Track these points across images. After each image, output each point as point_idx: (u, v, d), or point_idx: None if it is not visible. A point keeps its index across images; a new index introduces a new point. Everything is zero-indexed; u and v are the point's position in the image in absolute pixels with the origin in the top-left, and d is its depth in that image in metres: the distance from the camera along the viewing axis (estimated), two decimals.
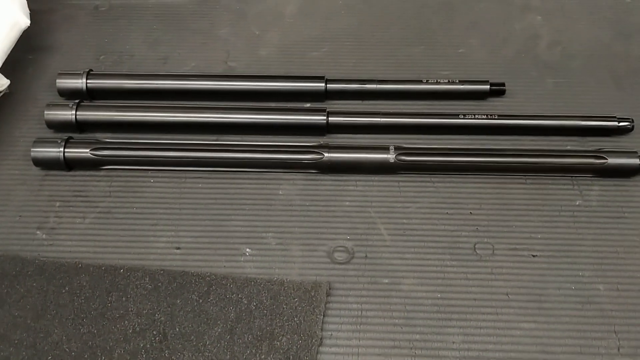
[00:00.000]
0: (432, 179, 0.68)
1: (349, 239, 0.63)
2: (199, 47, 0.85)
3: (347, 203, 0.67)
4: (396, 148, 0.68)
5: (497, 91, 0.76)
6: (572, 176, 0.68)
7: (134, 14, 0.90)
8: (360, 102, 0.77)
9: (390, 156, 0.67)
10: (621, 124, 0.71)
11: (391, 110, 0.74)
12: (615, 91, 0.77)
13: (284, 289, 0.58)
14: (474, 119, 0.71)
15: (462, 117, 0.72)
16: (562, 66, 0.81)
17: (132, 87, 0.76)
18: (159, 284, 0.59)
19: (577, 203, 0.66)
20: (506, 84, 0.77)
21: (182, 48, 0.85)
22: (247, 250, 0.63)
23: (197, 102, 0.76)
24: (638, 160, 0.66)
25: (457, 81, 0.76)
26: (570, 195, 0.67)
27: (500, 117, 0.72)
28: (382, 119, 0.72)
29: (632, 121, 0.71)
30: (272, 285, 0.58)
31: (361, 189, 0.68)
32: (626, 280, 0.60)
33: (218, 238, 0.64)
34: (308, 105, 0.77)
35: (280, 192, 0.68)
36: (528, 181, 0.68)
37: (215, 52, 0.84)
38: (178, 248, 0.63)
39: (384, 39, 0.85)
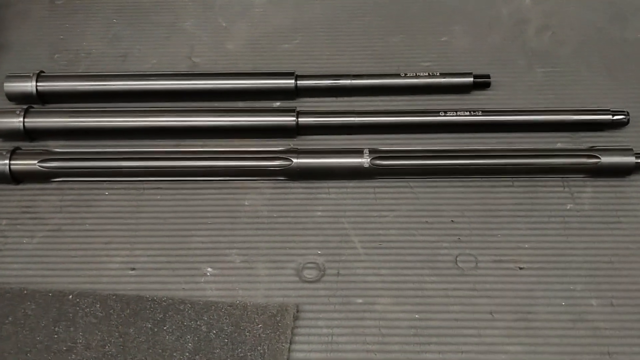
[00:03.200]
0: (411, 184, 0.63)
1: (320, 254, 0.58)
2: (162, 41, 0.79)
3: (319, 213, 0.61)
4: (371, 151, 0.62)
5: (482, 84, 0.70)
6: (562, 177, 0.63)
7: (92, 7, 0.84)
8: (334, 99, 0.71)
9: (365, 160, 0.62)
10: (615, 117, 0.65)
11: (367, 108, 0.69)
12: (609, 80, 0.71)
13: (247, 314, 0.53)
14: (456, 116, 0.66)
15: (443, 114, 0.66)
16: (551, 54, 0.75)
17: (87, 89, 0.70)
18: (111, 311, 0.54)
19: (568, 207, 0.61)
20: (492, 75, 0.71)
21: (143, 43, 0.79)
22: (209, 269, 0.57)
23: (157, 105, 0.70)
24: (634, 158, 0.61)
25: (438, 74, 0.70)
26: (561, 199, 0.61)
27: (485, 113, 0.66)
28: (357, 119, 0.66)
29: (627, 114, 0.66)
30: (234, 309, 0.53)
31: (334, 196, 0.62)
32: (621, 294, 0.55)
33: (177, 257, 0.59)
34: (278, 104, 0.71)
35: (246, 203, 0.62)
36: (515, 183, 0.63)
37: (178, 46, 0.78)
38: (133, 269, 0.58)
39: (361, 28, 0.79)
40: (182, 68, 0.76)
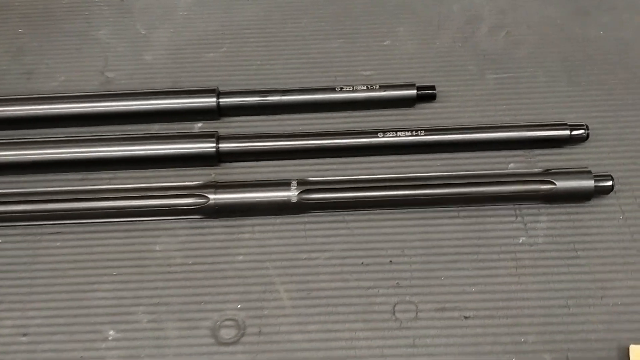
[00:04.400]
0: (346, 218, 0.56)
1: (239, 308, 0.51)
2: (72, 54, 0.70)
3: (241, 257, 0.54)
4: (300, 183, 0.55)
5: (426, 96, 0.63)
6: (515, 204, 0.56)
7: None
8: (263, 117, 0.63)
9: (292, 194, 0.54)
10: (574, 132, 0.58)
11: (299, 127, 0.62)
12: (569, 86, 0.64)
13: None
14: (396, 137, 0.58)
15: (382, 135, 0.58)
16: (505, 56, 0.67)
17: None
18: None
19: (521, 241, 0.54)
20: (439, 84, 0.64)
21: (51, 57, 0.70)
22: (111, 332, 0.50)
23: (61, 132, 0.62)
24: (592, 181, 0.54)
25: (377, 87, 0.62)
26: (513, 230, 0.54)
27: (427, 132, 0.58)
28: (285, 142, 0.59)
29: (587, 128, 0.59)
30: None
31: (259, 236, 0.55)
32: (578, 346, 0.48)
33: (76, 317, 0.51)
34: (200, 125, 0.63)
35: (158, 248, 0.55)
36: (461, 214, 0.56)
37: (91, 59, 0.69)
38: (25, 335, 0.50)
39: (296, 32, 0.71)
40: (94, 85, 0.67)
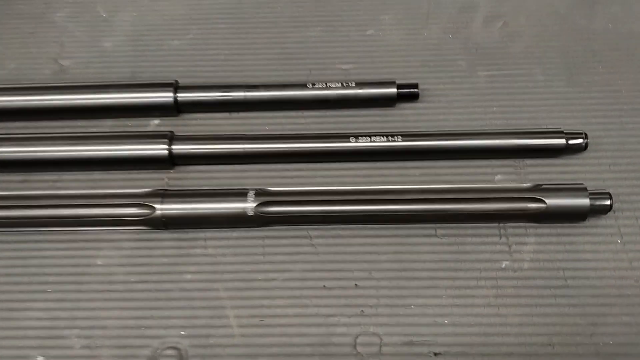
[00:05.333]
0: (310, 233, 0.50)
1: (183, 335, 0.46)
2: (26, 38, 0.64)
3: (189, 276, 0.48)
4: (258, 194, 0.49)
5: (408, 95, 0.56)
6: (499, 224, 0.49)
7: None
8: (227, 115, 0.57)
9: (249, 206, 0.48)
10: (571, 142, 0.52)
11: (265, 127, 0.56)
12: (568, 87, 0.57)
13: None
14: (370, 142, 0.52)
15: (354, 140, 0.52)
16: (500, 51, 0.60)
17: None
18: None
19: (504, 265, 0.48)
20: (425, 81, 0.58)
21: (2, 41, 0.64)
22: (39, 358, 0.45)
23: (5, 127, 0.56)
24: (588, 200, 0.48)
25: (353, 84, 0.56)
26: (496, 253, 0.48)
27: (405, 138, 0.52)
28: (247, 146, 0.53)
29: (586, 137, 0.52)
30: None
31: (211, 251, 0.49)
32: None
33: (4, 339, 0.46)
34: (157, 122, 0.57)
35: (99, 262, 0.49)
36: (439, 232, 0.49)
37: (45, 45, 0.63)
38: None
39: (270, 19, 0.64)
40: (46, 74, 0.61)
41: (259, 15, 0.64)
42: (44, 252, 0.50)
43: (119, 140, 0.53)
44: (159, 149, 0.52)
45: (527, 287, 0.47)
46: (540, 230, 0.49)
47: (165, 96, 0.56)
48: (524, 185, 0.49)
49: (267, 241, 0.50)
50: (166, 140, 0.52)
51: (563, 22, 0.62)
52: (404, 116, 0.56)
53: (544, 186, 0.48)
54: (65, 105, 0.56)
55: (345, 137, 0.52)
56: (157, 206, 0.48)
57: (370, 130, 0.53)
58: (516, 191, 0.48)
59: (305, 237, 0.50)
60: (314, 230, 0.50)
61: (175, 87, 0.56)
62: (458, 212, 0.48)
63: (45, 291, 0.48)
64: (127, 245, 0.50)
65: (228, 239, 0.50)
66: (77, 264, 0.49)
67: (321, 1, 0.65)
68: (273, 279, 0.48)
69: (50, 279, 0.48)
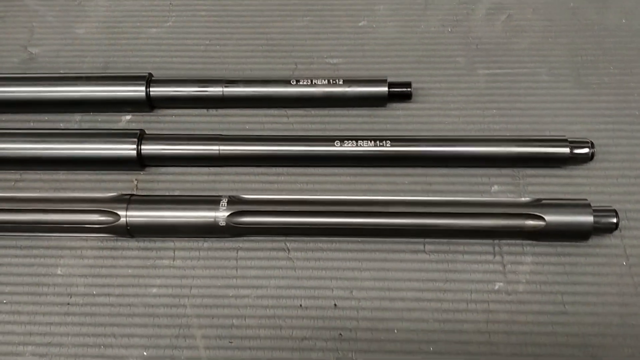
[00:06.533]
0: (288, 245, 0.46)
1: (145, 356, 0.42)
2: None
3: (155, 290, 0.45)
4: (231, 202, 0.45)
5: (400, 94, 0.52)
6: (494, 241, 0.45)
7: None
8: (203, 111, 0.53)
9: (221, 215, 0.44)
10: (576, 151, 0.47)
11: (242, 127, 0.52)
12: (576, 89, 0.53)
13: None
14: (356, 147, 0.48)
15: (339, 144, 0.48)
16: (503, 47, 0.55)
17: None
18: None
19: (497, 287, 0.44)
20: (420, 79, 0.53)
21: None
22: None
23: None
24: (591, 217, 0.43)
25: (340, 82, 0.51)
26: (489, 273, 0.44)
27: (395, 143, 0.48)
28: (221, 147, 0.48)
29: (592, 146, 0.47)
30: None
31: (179, 263, 0.46)
32: None
33: None
34: (128, 117, 0.53)
35: (59, 271, 0.45)
36: (428, 247, 0.45)
37: (14, 30, 0.59)
38: None
39: (255, 7, 0.59)
40: (13, 62, 0.57)
41: (244, 2, 0.60)
42: (1, 259, 0.46)
43: (85, 138, 0.49)
44: (127, 149, 0.48)
45: (522, 312, 0.43)
46: (538, 249, 0.45)
47: (138, 90, 0.51)
48: (523, 199, 0.45)
49: (241, 253, 0.46)
50: (135, 139, 0.48)
51: (572, 16, 0.57)
52: (395, 117, 0.52)
53: (544, 201, 0.44)
54: (30, 98, 0.52)
55: (329, 140, 0.48)
56: (121, 213, 0.45)
57: (358, 133, 0.49)
58: (514, 206, 0.44)
59: (282, 249, 0.46)
60: (292, 243, 0.46)
61: (148, 81, 0.52)
62: (449, 228, 0.44)
63: (0, 302, 0.44)
64: (90, 253, 0.46)
65: (198, 249, 0.46)
66: (35, 272, 0.45)
67: None
68: (245, 296, 0.44)
69: (6, 289, 0.45)
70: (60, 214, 0.45)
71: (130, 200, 0.45)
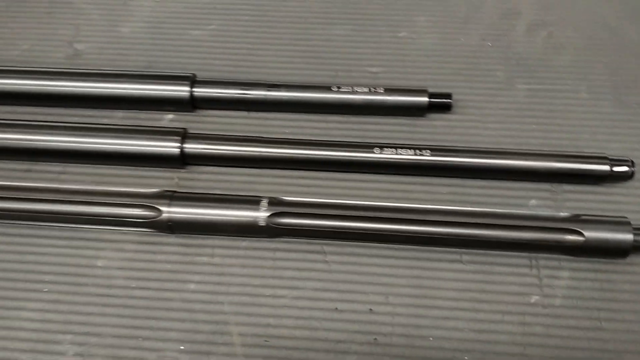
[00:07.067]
0: (325, 248, 0.46)
1: (182, 350, 0.43)
2: (41, 18, 0.61)
3: (193, 286, 0.45)
4: (271, 203, 0.45)
5: (440, 105, 0.52)
6: (531, 254, 0.46)
7: None
8: (245, 113, 0.54)
9: (261, 215, 0.45)
10: (616, 168, 0.47)
11: (283, 130, 0.52)
12: (615, 107, 0.53)
13: None
14: (396, 154, 0.48)
15: (379, 151, 0.48)
16: (542, 63, 0.56)
17: None
18: None
19: (533, 300, 0.44)
20: (459, 90, 0.54)
21: (18, 19, 0.61)
22: None
23: (13, 110, 0.54)
24: (632, 235, 0.43)
25: (381, 90, 0.52)
26: (525, 286, 0.44)
27: (434, 153, 0.48)
28: (263, 149, 0.49)
29: (632, 164, 0.48)
30: None
31: (218, 261, 0.46)
32: None
33: None
34: (170, 116, 0.54)
35: (99, 263, 0.46)
36: (464, 257, 0.46)
37: (60, 26, 0.60)
38: None
39: (296, 14, 0.60)
40: (59, 58, 0.58)
41: (285, 8, 0.61)
42: (43, 249, 0.47)
43: (130, 134, 0.50)
44: (171, 147, 0.49)
45: (557, 326, 0.43)
46: (575, 265, 0.45)
47: (182, 90, 0.52)
48: (561, 214, 0.45)
49: (278, 254, 0.46)
50: (179, 138, 0.49)
51: (613, 35, 0.57)
52: (434, 128, 0.52)
53: (583, 217, 0.44)
54: (76, 93, 0.53)
55: (369, 147, 0.49)
56: (163, 209, 0.45)
57: (397, 142, 0.50)
58: (553, 220, 0.44)
59: (319, 252, 0.46)
60: (328, 246, 0.46)
61: (192, 82, 0.53)
62: (486, 239, 0.44)
63: (40, 290, 0.45)
64: (130, 247, 0.47)
65: (237, 248, 0.47)
66: (76, 263, 0.46)
67: None
68: (282, 296, 0.45)
69: (47, 277, 0.46)
70: (103, 207, 0.46)
71: (173, 197, 0.46)
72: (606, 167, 0.47)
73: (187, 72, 0.54)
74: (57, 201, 0.46)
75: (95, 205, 0.46)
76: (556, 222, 0.44)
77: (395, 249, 0.46)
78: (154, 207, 0.45)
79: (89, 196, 0.46)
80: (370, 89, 0.52)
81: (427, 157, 0.48)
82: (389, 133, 0.52)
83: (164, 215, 0.45)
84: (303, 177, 0.50)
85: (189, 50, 0.58)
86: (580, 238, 0.43)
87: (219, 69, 0.57)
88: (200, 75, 0.55)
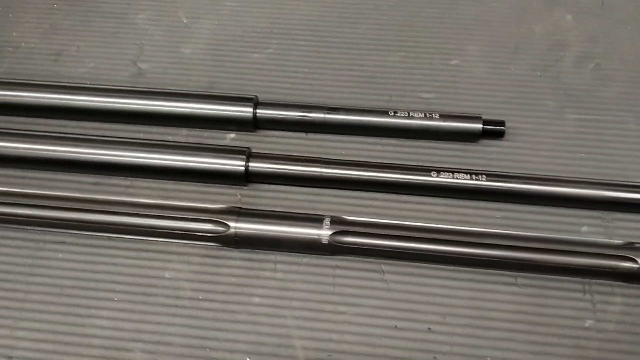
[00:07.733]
0: (383, 267, 0.48)
1: None
2: (106, 38, 0.64)
3: (257, 299, 0.47)
4: (334, 222, 0.48)
5: (493, 132, 0.54)
6: (584, 279, 0.47)
7: None
8: (303, 135, 0.56)
9: (324, 233, 0.47)
10: None
11: (341, 152, 0.54)
12: None
13: None
14: (452, 179, 0.50)
15: (435, 175, 0.50)
16: (591, 94, 0.58)
17: None
18: None
19: (587, 324, 0.45)
20: (510, 118, 0.56)
21: (84, 38, 0.64)
22: None
23: (80, 125, 0.57)
24: None
25: (437, 116, 0.54)
26: (579, 310, 0.46)
27: (490, 178, 0.50)
28: (324, 170, 0.51)
29: None
30: None
31: (281, 276, 0.48)
32: None
33: (66, 345, 0.45)
34: (232, 135, 0.56)
35: (167, 275, 0.48)
36: (519, 281, 0.47)
37: (125, 46, 0.63)
38: (10, 358, 0.45)
39: (352, 39, 0.63)
40: (124, 76, 0.61)
41: (341, 34, 0.63)
42: (114, 259, 0.49)
43: (197, 152, 0.52)
44: (236, 165, 0.51)
45: (612, 350, 0.44)
46: (628, 291, 0.46)
47: (245, 111, 0.55)
48: (615, 241, 0.47)
49: (338, 271, 0.48)
50: (244, 156, 0.51)
51: None
52: (487, 154, 0.54)
53: (637, 244, 0.46)
54: (142, 111, 0.56)
55: (426, 170, 0.51)
56: (231, 224, 0.48)
57: (450, 166, 0.51)
58: (606, 247, 0.46)
59: (377, 271, 0.48)
60: (386, 265, 0.48)
61: (256, 103, 0.55)
62: (541, 263, 0.46)
63: (112, 299, 0.47)
64: (196, 260, 0.49)
65: (298, 264, 0.49)
66: (146, 274, 0.48)
67: (405, 26, 0.63)
68: (342, 312, 0.46)
69: (118, 287, 0.48)
70: (174, 221, 0.48)
71: (240, 213, 0.48)
72: None
73: (249, 94, 0.56)
74: (130, 214, 0.49)
75: (167, 219, 0.48)
76: (611, 249, 0.46)
77: (452, 270, 0.48)
78: (222, 222, 0.48)
79: (160, 210, 0.49)
80: (426, 115, 0.54)
81: (482, 182, 0.50)
82: (441, 157, 0.54)
83: (232, 230, 0.48)
84: (360, 198, 0.52)
85: (249, 72, 0.61)
86: (635, 265, 0.45)
87: (277, 91, 0.59)
88: (261, 97, 0.57)
